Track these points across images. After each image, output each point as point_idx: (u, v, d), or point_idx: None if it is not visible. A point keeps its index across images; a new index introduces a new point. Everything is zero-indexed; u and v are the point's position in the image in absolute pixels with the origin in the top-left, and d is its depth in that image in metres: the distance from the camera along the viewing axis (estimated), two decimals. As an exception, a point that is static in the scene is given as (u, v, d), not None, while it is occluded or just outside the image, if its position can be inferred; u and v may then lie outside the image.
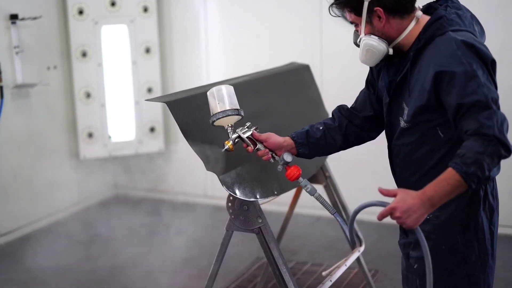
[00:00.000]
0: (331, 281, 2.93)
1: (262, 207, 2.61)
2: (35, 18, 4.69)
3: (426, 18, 2.10)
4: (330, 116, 2.50)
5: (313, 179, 3.26)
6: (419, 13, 2.11)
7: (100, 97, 5.22)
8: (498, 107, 1.91)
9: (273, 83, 3.21)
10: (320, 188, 3.32)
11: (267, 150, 2.35)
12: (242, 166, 2.58)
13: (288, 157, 2.31)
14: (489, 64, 1.97)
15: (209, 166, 2.47)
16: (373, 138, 2.45)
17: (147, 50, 5.28)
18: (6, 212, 4.72)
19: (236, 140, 2.33)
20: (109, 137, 5.30)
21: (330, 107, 3.49)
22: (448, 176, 1.85)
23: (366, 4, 2.08)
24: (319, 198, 2.34)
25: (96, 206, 5.47)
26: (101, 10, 5.11)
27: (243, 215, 2.55)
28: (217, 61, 5.28)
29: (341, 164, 4.22)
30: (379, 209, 1.90)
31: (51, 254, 4.51)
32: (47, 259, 4.43)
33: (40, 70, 4.91)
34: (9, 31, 4.58)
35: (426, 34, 2.06)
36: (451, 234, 2.10)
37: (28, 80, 4.75)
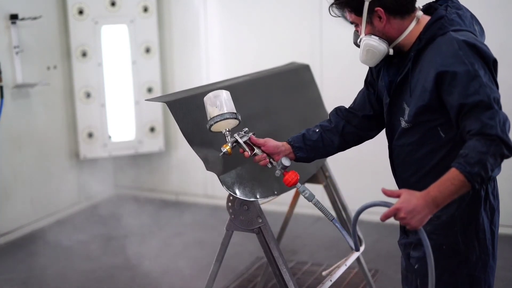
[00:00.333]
0: (331, 281, 2.93)
1: (262, 207, 2.61)
2: (35, 18, 4.69)
3: (427, 18, 2.10)
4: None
5: (313, 179, 3.26)
6: (419, 13, 2.11)
7: (100, 97, 5.22)
8: (500, 107, 1.91)
9: (273, 83, 3.21)
10: (320, 188, 3.34)
11: (264, 155, 2.34)
12: (242, 166, 2.58)
13: (286, 162, 2.30)
14: (491, 64, 1.97)
15: (209, 166, 2.47)
16: (372, 137, 2.44)
17: (147, 50, 5.28)
18: (6, 212, 4.72)
19: (234, 144, 2.33)
20: (109, 137, 5.31)
21: (330, 107, 3.49)
22: (452, 176, 1.85)
23: (366, 4, 2.07)
24: (317, 204, 2.32)
25: (96, 206, 5.47)
26: (101, 10, 5.11)
27: (243, 215, 2.55)
28: (217, 61, 5.29)
29: (341, 164, 4.22)
30: (379, 209, 1.90)
31: (51, 254, 4.51)
32: (47, 259, 4.43)
33: (40, 70, 4.91)
34: (9, 31, 4.58)
35: (427, 34, 2.05)
36: (452, 234, 2.10)
37: (28, 80, 4.75)
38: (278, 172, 2.32)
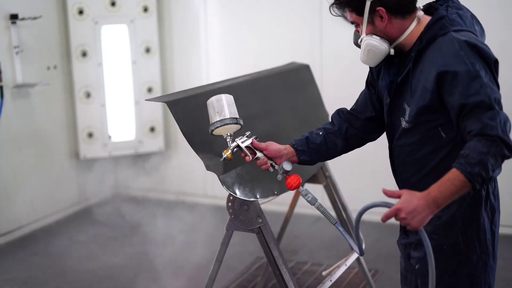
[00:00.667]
0: (331, 280, 2.93)
1: (262, 207, 2.60)
2: (35, 18, 4.69)
3: (427, 18, 2.10)
4: (330, 117, 2.48)
5: (313, 179, 3.26)
6: (420, 13, 2.11)
7: (100, 97, 5.22)
8: (501, 108, 1.91)
9: (273, 83, 3.21)
10: (320, 188, 3.34)
11: (266, 159, 2.33)
12: (242, 166, 2.58)
13: (287, 166, 2.29)
14: (492, 64, 1.97)
15: (209, 166, 2.47)
16: (374, 140, 2.44)
17: (147, 50, 5.28)
18: (6, 212, 4.72)
19: (235, 149, 2.32)
20: (109, 137, 5.31)
21: (330, 107, 3.51)
22: (453, 177, 1.85)
23: (368, 4, 2.07)
24: (319, 208, 2.31)
25: (96, 206, 5.47)
26: (101, 10, 5.11)
27: (243, 215, 2.55)
28: (217, 61, 5.28)
29: (341, 164, 4.20)
30: (379, 209, 1.90)
31: (51, 254, 4.51)
32: (47, 259, 4.43)
33: (40, 70, 4.91)
34: (9, 31, 4.58)
35: (428, 34, 2.05)
36: (453, 234, 2.10)
37: (28, 80, 4.75)
38: (280, 176, 2.31)
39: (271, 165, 2.33)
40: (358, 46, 2.20)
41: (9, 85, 4.61)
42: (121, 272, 4.18)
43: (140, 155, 5.51)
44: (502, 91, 2.00)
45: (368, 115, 2.35)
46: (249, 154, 2.32)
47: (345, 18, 2.20)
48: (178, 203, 5.46)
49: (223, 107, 2.31)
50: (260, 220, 2.53)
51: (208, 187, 5.45)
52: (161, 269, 4.15)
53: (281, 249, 2.60)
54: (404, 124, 2.12)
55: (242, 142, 2.32)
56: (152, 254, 4.40)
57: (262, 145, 2.33)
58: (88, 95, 5.18)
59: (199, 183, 5.46)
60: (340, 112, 2.42)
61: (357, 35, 2.23)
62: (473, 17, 2.15)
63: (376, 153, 3.66)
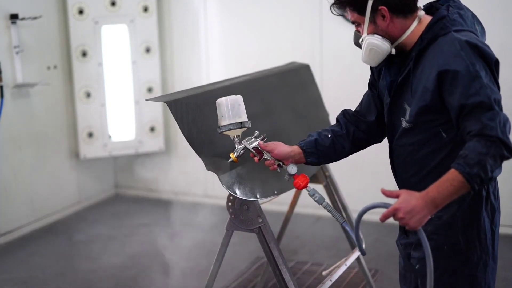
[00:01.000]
0: (331, 280, 2.93)
1: (262, 206, 2.60)
2: (35, 18, 4.69)
3: (428, 18, 2.10)
4: (330, 118, 2.48)
5: (313, 179, 3.26)
6: (421, 12, 2.10)
7: (100, 97, 5.22)
8: (501, 108, 1.91)
9: (273, 83, 3.21)
10: (320, 188, 3.33)
11: (273, 160, 2.33)
12: (242, 166, 2.58)
13: (292, 170, 2.30)
14: (492, 65, 1.97)
15: (209, 165, 2.47)
16: (380, 142, 2.43)
17: (147, 50, 5.28)
18: (6, 212, 4.72)
19: (242, 151, 2.33)
20: (109, 137, 5.31)
21: (330, 107, 3.51)
22: (451, 177, 1.85)
23: (370, 3, 2.07)
24: (327, 207, 2.30)
25: (96, 206, 5.47)
26: (101, 10, 5.11)
27: (243, 214, 2.55)
28: (217, 61, 5.28)
29: (341, 164, 4.18)
30: (379, 209, 1.90)
31: (51, 254, 4.51)
32: (47, 259, 4.43)
33: (40, 69, 4.91)
34: (9, 31, 4.58)
35: (428, 34, 2.05)
36: (453, 234, 2.10)
37: (28, 79, 4.75)
38: (287, 177, 2.32)
39: (279, 165, 2.33)
40: (359, 46, 2.20)
41: (9, 85, 4.61)
42: (121, 272, 4.18)
43: (140, 155, 5.51)
44: (502, 91, 2.00)
45: (373, 118, 2.34)
46: (257, 154, 2.33)
47: (346, 17, 2.20)
48: (178, 203, 5.46)
49: (229, 111, 2.32)
50: (260, 220, 2.53)
51: (208, 187, 5.45)
52: (161, 269, 4.15)
53: (281, 249, 2.60)
54: (404, 124, 2.12)
55: (250, 144, 2.33)
56: (152, 254, 4.40)
57: (269, 147, 2.33)
58: (88, 95, 5.18)
59: (199, 183, 5.46)
60: (346, 114, 2.41)
61: (357, 35, 2.23)
62: (474, 17, 2.15)
63: (376, 153, 3.65)
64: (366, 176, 4.85)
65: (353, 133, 2.37)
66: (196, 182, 5.47)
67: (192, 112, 2.53)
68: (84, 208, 5.41)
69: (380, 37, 2.10)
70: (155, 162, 5.58)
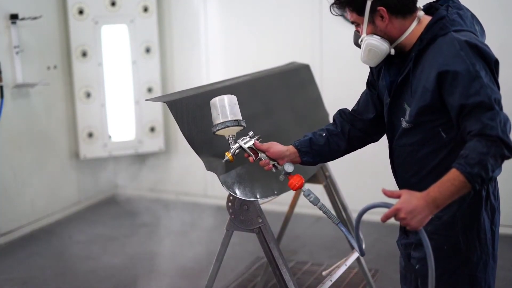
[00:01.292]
0: (331, 280, 2.93)
1: (262, 206, 2.60)
2: (35, 18, 4.69)
3: (428, 18, 2.10)
4: (330, 118, 2.48)
5: (313, 179, 3.26)
6: (420, 13, 2.10)
7: (100, 97, 5.22)
8: (501, 108, 1.91)
9: (273, 83, 3.21)
10: (320, 188, 3.34)
11: (268, 160, 2.34)
12: (242, 166, 2.58)
13: (289, 168, 2.30)
14: (492, 65, 1.97)
15: (209, 166, 2.47)
16: (376, 141, 2.43)
17: (147, 50, 5.28)
18: (6, 212, 4.72)
19: (237, 150, 2.33)
20: (109, 137, 5.31)
21: (330, 107, 3.51)
22: (452, 177, 1.85)
23: (369, 3, 2.07)
24: (322, 208, 2.31)
25: (96, 206, 5.47)
26: (101, 10, 5.11)
27: (243, 214, 2.55)
28: (217, 61, 5.28)
29: (341, 164, 4.19)
30: (379, 209, 1.90)
31: (51, 254, 4.51)
32: (47, 259, 4.43)
33: (40, 70, 4.91)
34: (9, 31, 4.58)
35: (428, 34, 2.05)
36: (454, 234, 2.10)
37: (28, 80, 4.75)
38: (282, 177, 2.32)
39: (274, 165, 2.33)
40: (358, 46, 2.20)
41: (9, 85, 4.61)
42: (121, 272, 4.18)
43: (140, 155, 5.51)
44: (502, 91, 2.00)
45: (370, 116, 2.35)
46: (252, 154, 2.33)
47: (345, 18, 2.20)
48: (178, 203, 5.46)
49: (225, 109, 2.32)
50: (260, 220, 2.53)
51: (208, 187, 5.45)
52: (161, 269, 4.14)
53: (281, 249, 2.60)
54: (404, 124, 2.12)
55: (245, 143, 2.33)
56: (152, 254, 4.40)
57: (264, 146, 2.34)
58: (88, 95, 5.18)
59: (199, 183, 5.46)
60: (342, 113, 2.42)
61: (357, 35, 2.23)
62: (473, 17, 2.15)
63: (376, 153, 3.66)
64: (366, 176, 4.85)
65: (348, 131, 2.37)
66: (196, 182, 5.47)
67: (192, 112, 2.53)
68: (84, 208, 5.41)
69: (379, 37, 2.10)
70: (155, 162, 5.58)
